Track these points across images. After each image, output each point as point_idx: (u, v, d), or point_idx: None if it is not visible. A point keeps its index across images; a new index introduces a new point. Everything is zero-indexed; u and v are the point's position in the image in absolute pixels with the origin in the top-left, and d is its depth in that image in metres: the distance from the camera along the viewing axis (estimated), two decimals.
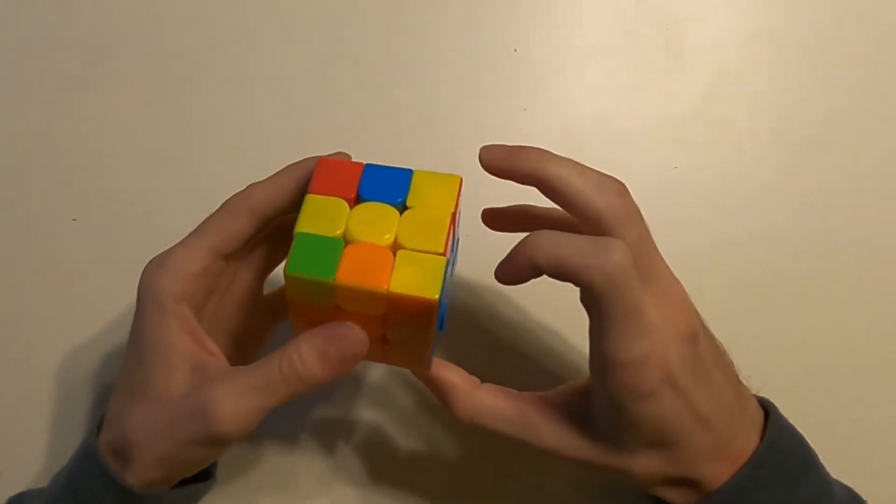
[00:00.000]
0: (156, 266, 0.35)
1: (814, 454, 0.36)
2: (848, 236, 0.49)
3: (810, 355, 0.46)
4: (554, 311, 0.45)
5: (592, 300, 0.32)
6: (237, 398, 0.32)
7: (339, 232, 0.32)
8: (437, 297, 0.31)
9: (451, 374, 0.37)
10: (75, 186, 0.49)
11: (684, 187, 0.50)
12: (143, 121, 0.50)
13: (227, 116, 0.50)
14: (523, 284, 0.33)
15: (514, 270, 0.33)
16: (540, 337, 0.46)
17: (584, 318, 0.33)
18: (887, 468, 0.44)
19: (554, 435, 0.35)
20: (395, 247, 0.32)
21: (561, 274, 0.31)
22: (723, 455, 0.34)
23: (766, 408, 0.36)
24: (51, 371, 0.45)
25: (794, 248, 0.48)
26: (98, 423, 0.36)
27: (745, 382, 0.36)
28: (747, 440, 0.34)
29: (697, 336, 0.33)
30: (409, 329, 0.34)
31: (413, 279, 0.31)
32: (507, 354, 0.45)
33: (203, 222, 0.36)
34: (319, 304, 0.32)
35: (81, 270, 0.47)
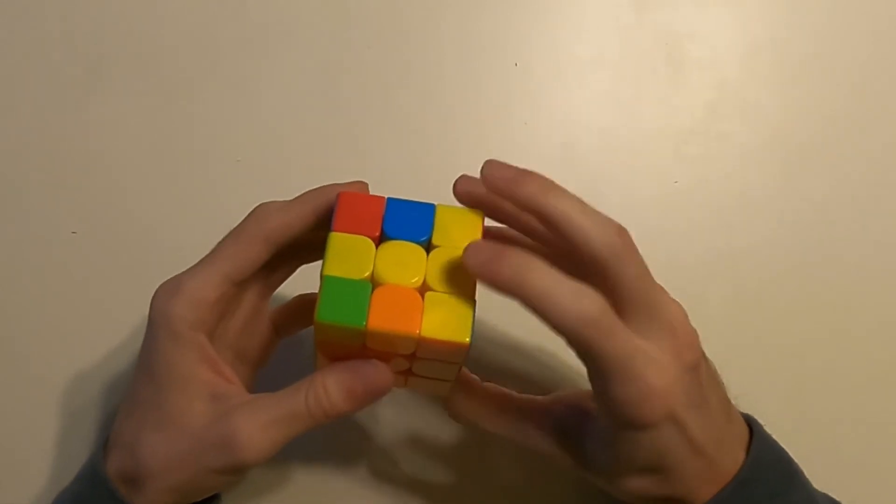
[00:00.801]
0: (170, 293, 0.35)
1: (797, 469, 0.36)
2: (848, 248, 0.49)
3: (810, 365, 0.46)
4: None
5: (574, 347, 0.31)
6: (263, 429, 0.32)
7: (366, 274, 0.32)
8: (468, 340, 0.31)
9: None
10: (75, 199, 0.49)
11: (684, 201, 0.50)
12: (144, 133, 0.50)
13: (228, 129, 0.50)
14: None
15: (488, 279, 0.31)
16: (539, 344, 0.46)
17: None
18: (883, 477, 0.44)
19: (547, 445, 0.36)
20: (424, 288, 0.32)
21: (534, 309, 0.31)
22: (711, 476, 0.34)
23: (751, 425, 0.36)
24: (49, 386, 0.45)
25: (793, 261, 0.49)
26: (103, 446, 0.36)
27: (733, 402, 0.37)
28: (734, 460, 0.35)
29: (700, 365, 0.34)
30: (436, 365, 0.34)
31: (444, 323, 0.31)
32: (510, 359, 0.45)
33: (217, 248, 0.36)
34: (348, 343, 0.32)
35: (81, 283, 0.47)
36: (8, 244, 0.48)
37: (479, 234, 0.33)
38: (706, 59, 0.53)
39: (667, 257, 0.48)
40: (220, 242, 0.36)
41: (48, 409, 0.44)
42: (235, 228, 0.36)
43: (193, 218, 0.48)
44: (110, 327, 0.46)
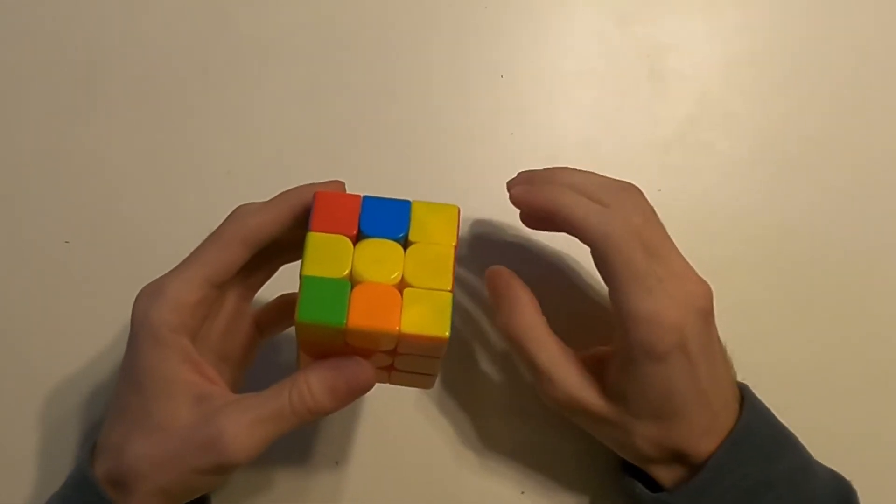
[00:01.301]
0: (151, 297, 0.35)
1: (792, 436, 0.38)
2: (829, 258, 0.50)
3: (795, 376, 0.47)
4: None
5: (598, 259, 0.36)
6: (248, 428, 0.33)
7: (345, 273, 0.32)
8: (447, 334, 0.32)
9: (521, 291, 0.39)
10: (68, 209, 0.49)
11: (667, 210, 0.49)
12: (135, 145, 0.51)
13: (218, 142, 0.51)
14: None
15: (532, 214, 0.40)
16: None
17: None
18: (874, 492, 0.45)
19: (575, 381, 0.38)
20: (403, 284, 0.32)
21: (566, 227, 0.37)
22: (714, 432, 0.36)
23: (742, 391, 0.39)
24: (41, 395, 0.45)
25: (775, 271, 0.49)
26: (90, 451, 0.36)
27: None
28: (730, 419, 0.37)
29: (710, 315, 0.37)
30: (418, 359, 0.34)
31: (423, 318, 0.32)
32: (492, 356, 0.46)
33: (197, 251, 0.36)
34: (329, 341, 0.33)
35: (73, 293, 0.47)
36: (2, 252, 0.48)
37: (455, 229, 0.34)
38: (687, 72, 0.54)
39: None
40: (199, 245, 0.36)
41: (39, 416, 0.45)
42: (215, 231, 0.36)
43: (185, 228, 0.47)
44: (102, 336, 0.46)
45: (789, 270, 0.49)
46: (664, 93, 0.54)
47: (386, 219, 0.34)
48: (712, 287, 0.48)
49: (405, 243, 0.34)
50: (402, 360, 0.35)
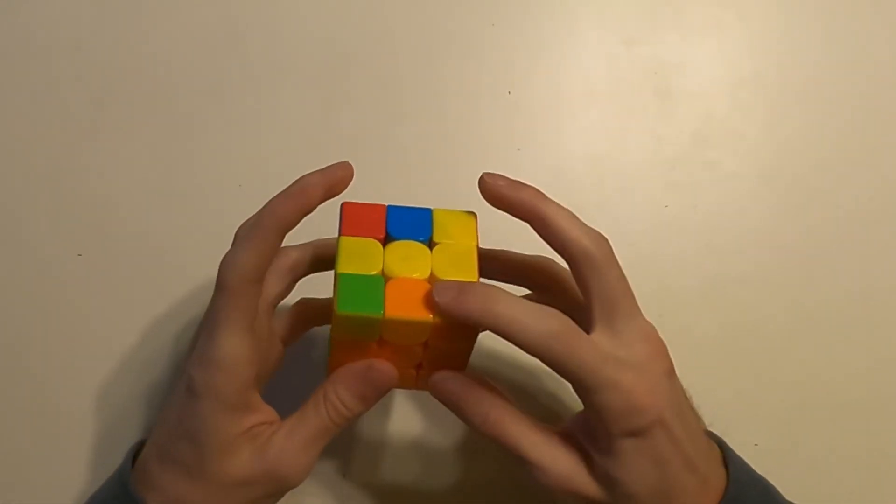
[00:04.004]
0: (206, 366, 0.34)
1: (771, 487, 0.37)
2: (833, 277, 0.50)
3: (797, 394, 0.47)
4: None
5: (547, 364, 0.33)
6: (300, 452, 0.35)
7: (378, 270, 0.34)
8: None
9: (480, 387, 0.36)
10: (80, 223, 0.49)
11: (673, 227, 0.51)
12: (148, 159, 0.51)
13: (230, 156, 0.52)
14: None
15: (502, 208, 0.35)
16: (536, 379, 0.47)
17: None
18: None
19: (564, 464, 0.35)
20: (432, 279, 0.34)
21: (546, 234, 0.35)
22: (706, 495, 0.35)
23: (719, 444, 0.38)
24: (49, 407, 0.45)
25: (780, 288, 0.50)
26: (128, 478, 0.36)
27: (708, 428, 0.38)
28: (718, 476, 0.36)
29: (674, 374, 0.35)
30: (447, 354, 0.35)
31: None
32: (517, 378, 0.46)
33: (226, 306, 0.34)
34: (364, 338, 0.34)
35: (85, 306, 0.48)
36: (15, 265, 0.48)
37: (475, 230, 0.36)
38: (693, 91, 0.55)
39: (655, 280, 0.49)
40: (216, 303, 0.35)
41: (50, 428, 0.45)
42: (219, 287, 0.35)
43: (196, 240, 0.49)
44: (113, 347, 0.46)
45: (795, 289, 0.50)
46: (670, 111, 0.54)
47: (410, 224, 0.36)
48: (720, 304, 0.49)
49: (430, 245, 0.35)
50: (431, 354, 0.35)
